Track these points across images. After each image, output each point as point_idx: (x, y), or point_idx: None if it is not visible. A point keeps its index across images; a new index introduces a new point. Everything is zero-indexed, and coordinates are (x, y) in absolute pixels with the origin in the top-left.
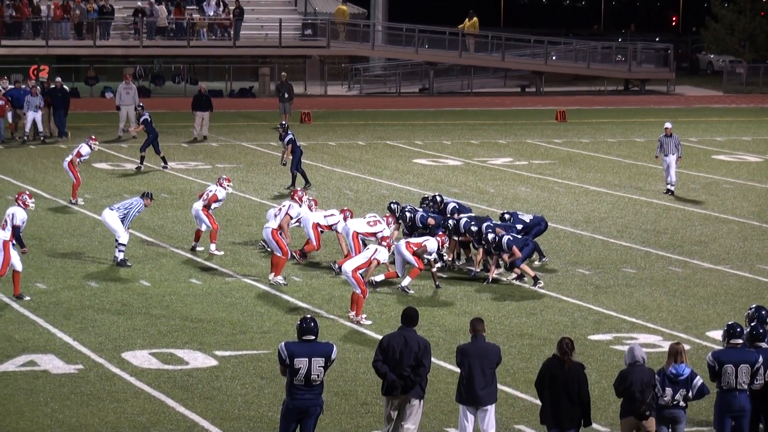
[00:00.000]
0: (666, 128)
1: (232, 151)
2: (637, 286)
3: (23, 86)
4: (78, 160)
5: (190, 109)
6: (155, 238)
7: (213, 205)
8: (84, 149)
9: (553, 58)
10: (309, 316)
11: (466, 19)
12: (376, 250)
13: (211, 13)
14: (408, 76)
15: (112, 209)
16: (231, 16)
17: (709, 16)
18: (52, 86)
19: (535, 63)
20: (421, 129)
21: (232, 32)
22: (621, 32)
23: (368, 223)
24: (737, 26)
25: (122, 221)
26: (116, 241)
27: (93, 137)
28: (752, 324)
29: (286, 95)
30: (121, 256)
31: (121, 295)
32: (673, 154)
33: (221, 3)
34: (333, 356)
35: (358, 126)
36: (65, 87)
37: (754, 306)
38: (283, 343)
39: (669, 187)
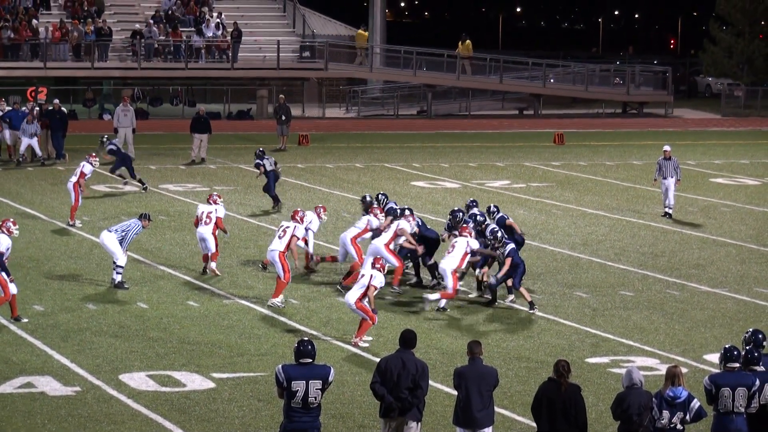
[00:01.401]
0: (665, 151)
1: (229, 174)
2: (634, 309)
3: (22, 108)
4: (83, 180)
5: (188, 131)
6: (153, 261)
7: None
8: (87, 168)
9: (551, 80)
10: (306, 338)
11: (460, 42)
12: (372, 276)
13: (210, 35)
14: (406, 99)
15: (110, 231)
16: (229, 38)
17: (708, 39)
18: (50, 108)
19: (533, 86)
20: (418, 151)
21: (230, 54)
22: (619, 55)
23: (356, 226)
24: (735, 49)
25: (120, 243)
26: (114, 263)
27: (93, 154)
28: (748, 347)
29: (284, 117)
30: (118, 278)
31: (119, 317)
32: (672, 177)
33: (220, 25)
34: (330, 379)
35: (355, 148)
36: (63, 109)
37: (751, 329)
38: (280, 366)
39: (667, 210)
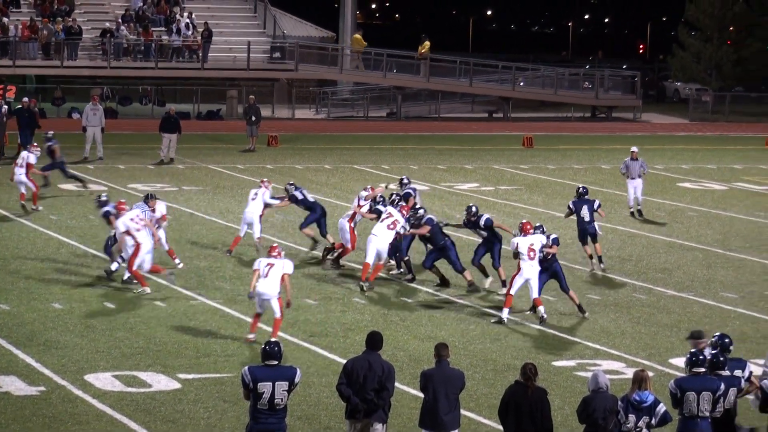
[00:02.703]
0: (632, 152)
1: (198, 174)
2: (601, 313)
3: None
4: (32, 170)
5: (157, 131)
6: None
7: None
8: (32, 158)
9: (521, 84)
10: (273, 339)
11: (420, 45)
12: (284, 264)
13: (180, 35)
14: (376, 101)
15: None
16: (199, 38)
17: (677, 44)
18: (19, 106)
19: (502, 89)
20: (388, 153)
21: (200, 54)
22: (588, 59)
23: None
24: (704, 55)
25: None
26: (121, 257)
27: (34, 144)
28: (714, 352)
29: (254, 118)
30: (114, 266)
31: (85, 316)
32: (639, 178)
33: (190, 25)
34: (297, 380)
35: (325, 150)
36: (32, 107)
37: (717, 334)
38: (246, 367)
39: (635, 209)
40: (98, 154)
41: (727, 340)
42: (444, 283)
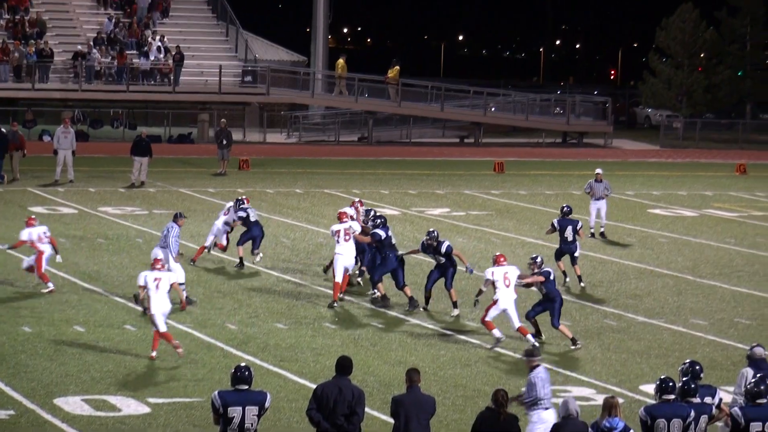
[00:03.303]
0: (597, 173)
1: (169, 197)
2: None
3: None
4: None
5: (128, 154)
6: (90, 284)
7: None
8: None
9: (492, 109)
10: (243, 364)
11: (389, 68)
12: (170, 276)
13: (152, 58)
14: (347, 125)
15: (161, 247)
16: (171, 61)
17: (647, 70)
18: None
19: (474, 114)
20: (359, 178)
21: (172, 77)
22: (560, 85)
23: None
24: (674, 81)
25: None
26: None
27: None
28: (684, 379)
29: (225, 142)
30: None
31: (55, 340)
32: (603, 199)
33: (162, 48)
34: (267, 405)
35: (296, 174)
36: (2, 130)
37: (687, 361)
38: (216, 392)
39: (596, 230)
40: (69, 177)
41: (697, 367)
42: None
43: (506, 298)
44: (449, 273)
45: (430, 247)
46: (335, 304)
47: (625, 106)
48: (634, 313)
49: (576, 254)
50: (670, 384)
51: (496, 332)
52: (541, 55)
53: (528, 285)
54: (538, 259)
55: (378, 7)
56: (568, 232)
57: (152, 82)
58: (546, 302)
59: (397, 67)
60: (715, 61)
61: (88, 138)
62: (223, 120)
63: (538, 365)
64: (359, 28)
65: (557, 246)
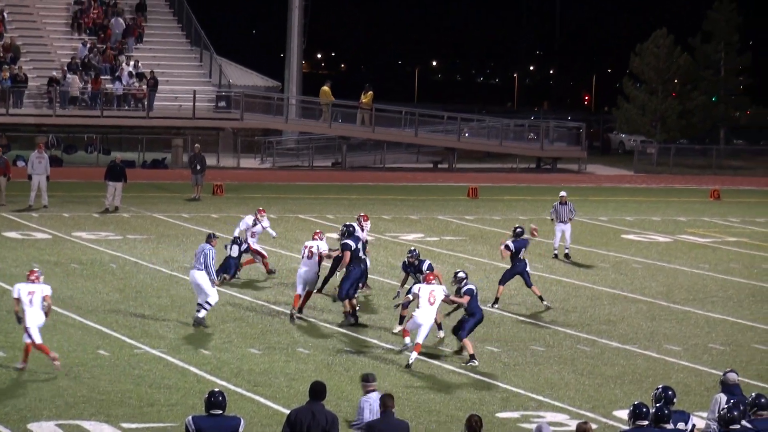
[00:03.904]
0: (561, 196)
1: (143, 222)
2: (545, 364)
3: None
4: None
5: (102, 179)
6: (64, 309)
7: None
8: None
9: (466, 134)
10: (217, 389)
11: (362, 93)
12: (43, 289)
13: (125, 83)
14: (321, 150)
15: (198, 269)
16: (145, 86)
17: (622, 96)
18: None
19: (447, 139)
20: (333, 203)
21: (145, 103)
22: (534, 110)
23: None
24: (648, 107)
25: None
26: (205, 301)
27: None
28: (658, 405)
29: (199, 167)
30: (202, 314)
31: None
32: (569, 222)
33: (135, 74)
34: (240, 430)
35: (270, 199)
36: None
37: (661, 386)
38: (190, 417)
39: (560, 252)
40: (43, 202)
41: (671, 393)
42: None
43: (425, 316)
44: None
45: (411, 265)
46: (295, 313)
47: (599, 132)
48: (608, 339)
49: (528, 270)
50: (644, 410)
51: (408, 340)
52: (515, 80)
53: (453, 305)
54: (460, 274)
55: (352, 33)
56: (523, 253)
57: (126, 108)
58: (468, 317)
59: (371, 92)
60: (689, 87)
61: (62, 163)
62: (197, 145)
63: (373, 390)
64: (333, 54)
65: (530, 271)
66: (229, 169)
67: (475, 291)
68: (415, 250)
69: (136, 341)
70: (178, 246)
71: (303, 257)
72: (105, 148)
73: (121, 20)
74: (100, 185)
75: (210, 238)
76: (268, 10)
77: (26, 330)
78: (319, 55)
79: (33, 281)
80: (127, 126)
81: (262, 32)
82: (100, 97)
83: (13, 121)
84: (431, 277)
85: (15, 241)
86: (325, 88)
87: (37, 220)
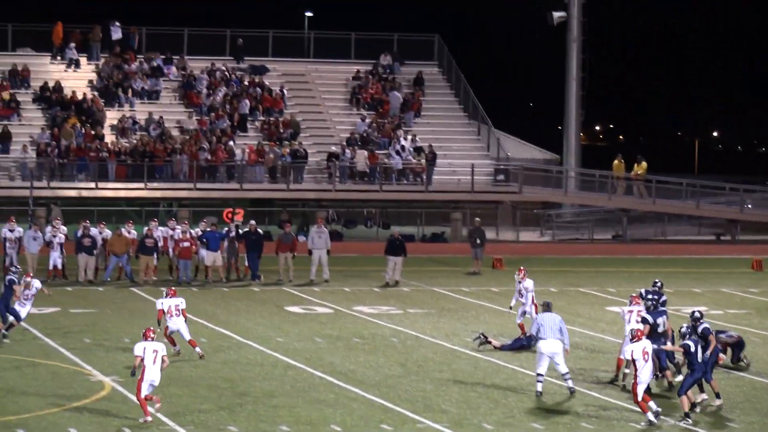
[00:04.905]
0: None
1: (423, 296)
2: None
3: (225, 229)
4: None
5: (382, 254)
6: (346, 383)
7: None
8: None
9: (749, 206)
10: None
11: (635, 164)
12: None
13: (404, 157)
14: (601, 223)
15: (558, 339)
16: (423, 160)
17: None
18: (246, 229)
19: (730, 211)
20: (614, 276)
21: (424, 176)
22: None
23: None
24: None
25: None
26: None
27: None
28: None
29: (478, 241)
30: (570, 383)
31: None
32: None
33: (413, 148)
34: None
35: (550, 273)
36: (259, 230)
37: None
38: None
39: None
40: (324, 277)
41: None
42: None
43: (644, 372)
44: (709, 363)
45: (691, 327)
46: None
47: None
48: None
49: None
50: None
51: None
52: None
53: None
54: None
55: (630, 105)
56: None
57: (405, 182)
58: (691, 372)
59: (644, 163)
60: None
61: (342, 237)
62: (477, 219)
63: None
64: (611, 125)
65: None
66: (508, 242)
67: (692, 347)
68: (696, 311)
69: (418, 415)
70: (458, 320)
71: (627, 321)
72: (384, 222)
73: (398, 94)
74: (380, 259)
75: (547, 306)
76: (545, 83)
77: (140, 383)
78: (597, 127)
79: (151, 339)
80: (406, 200)
81: (540, 105)
82: (379, 171)
83: (294, 196)
84: (640, 333)
85: (297, 315)
86: (617, 161)
87: (318, 295)
